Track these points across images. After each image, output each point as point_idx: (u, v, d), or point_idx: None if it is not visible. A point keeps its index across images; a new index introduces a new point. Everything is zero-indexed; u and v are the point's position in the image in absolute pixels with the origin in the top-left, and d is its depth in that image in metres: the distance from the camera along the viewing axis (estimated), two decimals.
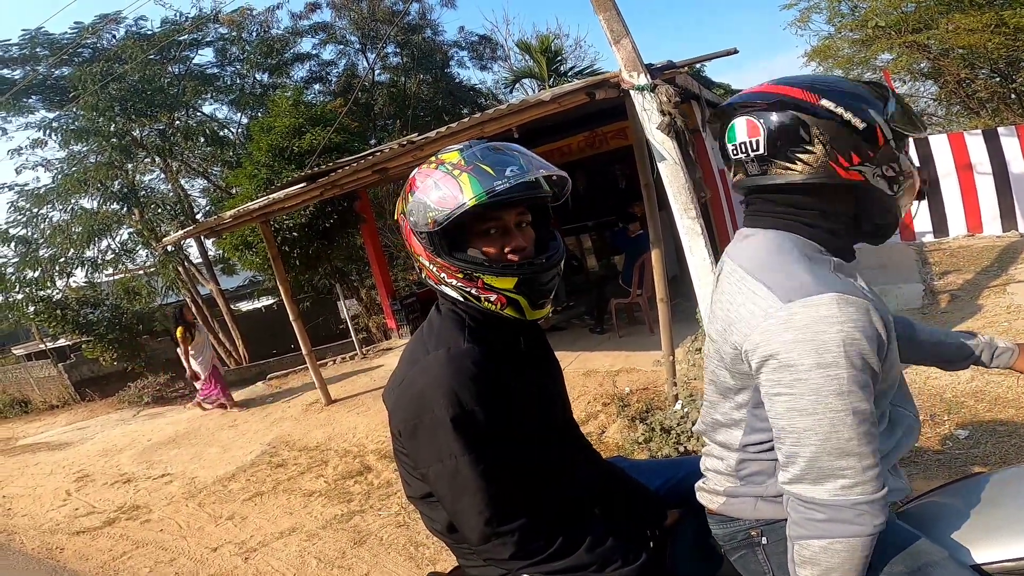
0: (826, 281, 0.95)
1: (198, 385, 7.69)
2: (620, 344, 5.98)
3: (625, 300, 6.26)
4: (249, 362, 11.83)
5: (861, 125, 0.97)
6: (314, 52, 14.97)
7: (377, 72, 15.18)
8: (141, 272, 13.39)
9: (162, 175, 12.77)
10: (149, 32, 12.54)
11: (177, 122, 12.11)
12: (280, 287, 6.74)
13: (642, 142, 3.93)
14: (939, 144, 7.09)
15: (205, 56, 17.32)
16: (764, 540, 1.12)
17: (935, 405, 3.33)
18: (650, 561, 1.18)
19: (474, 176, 1.10)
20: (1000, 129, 6.95)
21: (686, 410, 3.52)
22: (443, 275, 1.18)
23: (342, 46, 15.09)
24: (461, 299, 1.19)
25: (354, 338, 9.21)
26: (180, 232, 8.38)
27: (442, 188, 1.11)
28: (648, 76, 3.66)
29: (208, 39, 13.49)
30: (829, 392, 0.91)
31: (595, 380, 4.98)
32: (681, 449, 3.36)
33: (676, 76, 4.21)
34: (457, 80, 16.49)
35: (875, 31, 11.26)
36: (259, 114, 11.99)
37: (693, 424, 3.32)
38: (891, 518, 1.06)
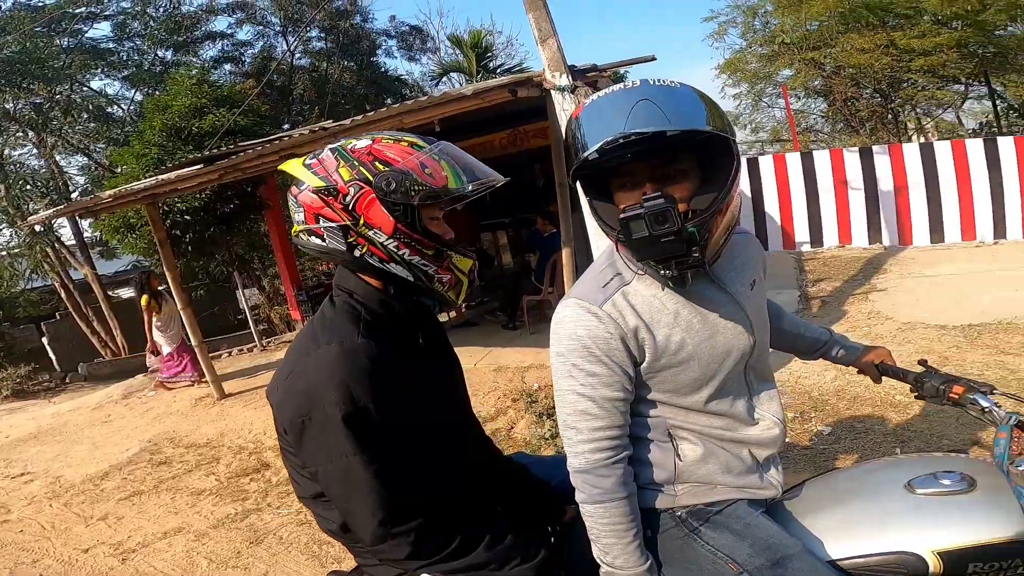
0: (583, 288, 1.15)
1: (152, 363, 6.92)
2: (531, 341, 6.04)
3: (537, 297, 6.37)
4: (128, 353, 10.89)
5: None
6: (229, 31, 14.23)
7: (298, 56, 14.66)
8: (3, 253, 12.04)
9: (35, 150, 11.69)
10: (40, 3, 11.48)
11: (57, 96, 11.14)
12: (167, 274, 6.18)
13: (560, 142, 4.02)
14: (821, 159, 7.78)
15: (101, 30, 15.90)
16: (648, 532, 1.18)
17: (804, 403, 3.61)
18: (549, 557, 1.20)
19: (452, 166, 1.14)
20: (875, 147, 7.77)
21: None
22: (404, 252, 1.14)
23: (261, 27, 14.45)
24: (411, 278, 1.17)
25: (253, 329, 8.76)
26: (51, 211, 7.57)
27: (430, 167, 1.12)
28: (570, 77, 3.75)
29: (106, 13, 12.47)
30: (559, 375, 1.13)
31: (505, 376, 4.99)
32: None
33: (599, 79, 4.34)
34: (383, 69, 16.26)
35: (781, 47, 12.06)
36: (156, 92, 11.19)
37: None
38: (753, 512, 1.17)
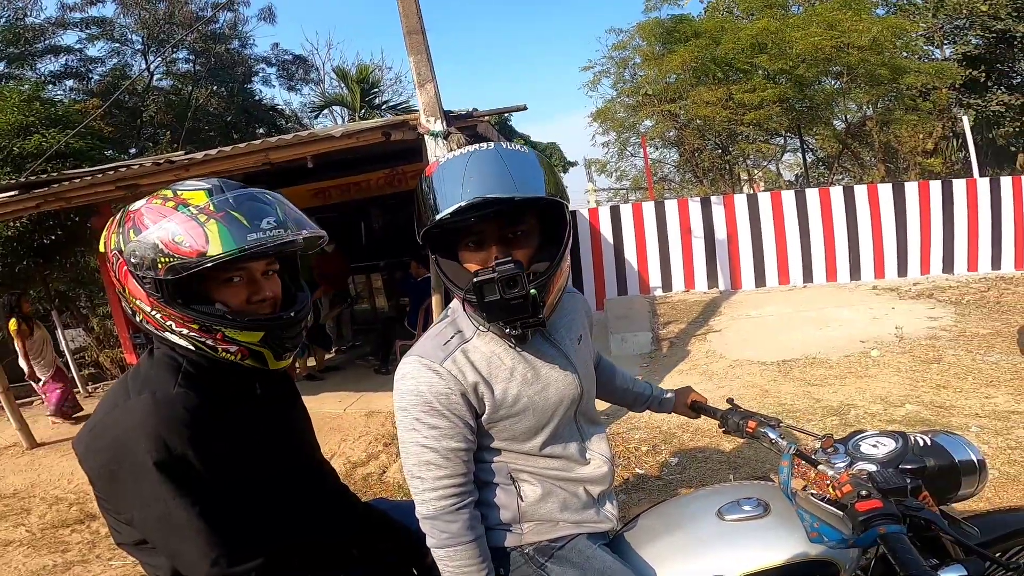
0: (424, 347, 1.19)
1: (37, 388, 6.00)
2: None
3: (410, 342, 6.21)
4: None
5: None
6: (77, 46, 12.91)
7: (158, 77, 13.44)
8: None
9: None
10: None
11: None
12: None
13: None
14: (671, 208, 8.36)
15: None
16: (500, 570, 1.25)
17: (655, 437, 3.90)
18: None
19: (224, 225, 1.02)
20: (712, 198, 8.47)
21: None
22: (170, 323, 1.08)
23: (118, 44, 13.22)
24: (192, 348, 1.10)
25: (75, 374, 7.70)
26: None
27: (182, 233, 1.02)
28: (444, 123, 3.83)
29: None
30: (403, 428, 1.17)
31: (377, 420, 4.87)
32: None
33: (478, 124, 4.45)
34: (257, 98, 15.47)
35: (644, 98, 12.82)
36: None
37: None
38: (592, 545, 1.26)
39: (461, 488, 1.18)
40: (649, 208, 8.41)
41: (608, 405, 1.74)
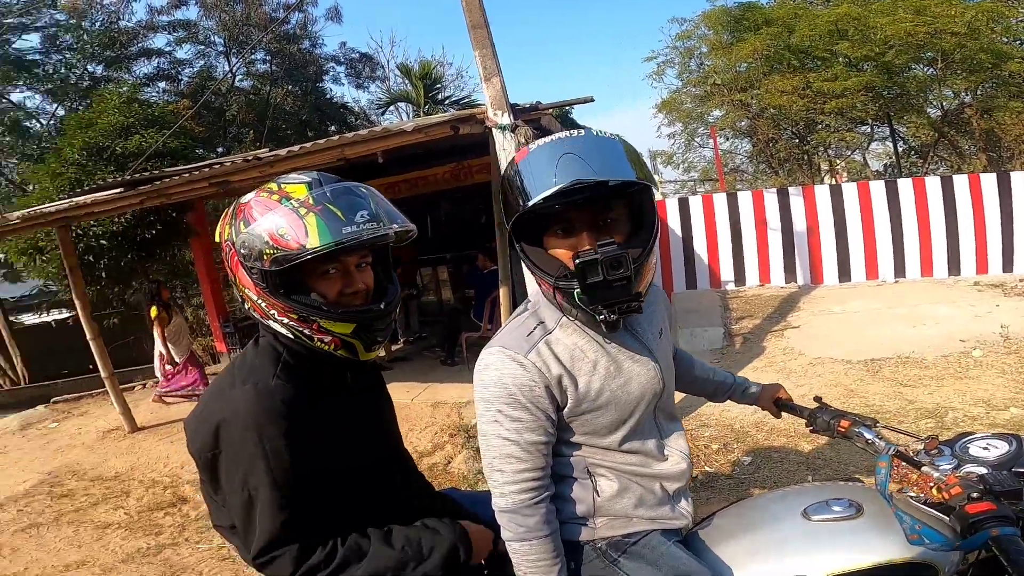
0: (507, 338, 1.19)
1: (159, 374, 6.53)
2: (470, 377, 5.89)
3: (476, 334, 6.32)
4: (30, 382, 10.01)
5: None
6: (167, 49, 13.80)
7: (239, 78, 14.26)
8: None
9: None
10: None
11: None
12: (76, 302, 5.79)
13: (499, 180, 4.04)
14: (744, 200, 8.07)
15: (29, 41, 15.03)
16: (571, 564, 1.24)
17: (727, 435, 3.78)
18: (454, 542, 1.21)
19: (321, 218, 1.07)
20: (790, 189, 8.12)
21: None
22: (273, 312, 1.14)
23: (203, 47, 14.09)
24: (292, 336, 1.16)
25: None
26: None
27: (285, 227, 1.07)
28: (511, 116, 3.80)
29: (38, 24, 11.94)
30: (484, 420, 1.17)
31: (443, 411, 4.95)
32: None
33: (542, 117, 4.43)
34: (328, 96, 16.04)
35: (713, 88, 12.40)
36: (80, 108, 10.60)
37: None
38: (666, 542, 1.25)
39: (540, 482, 1.17)
40: (720, 200, 8.17)
41: (680, 399, 1.68)
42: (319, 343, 1.15)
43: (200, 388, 6.51)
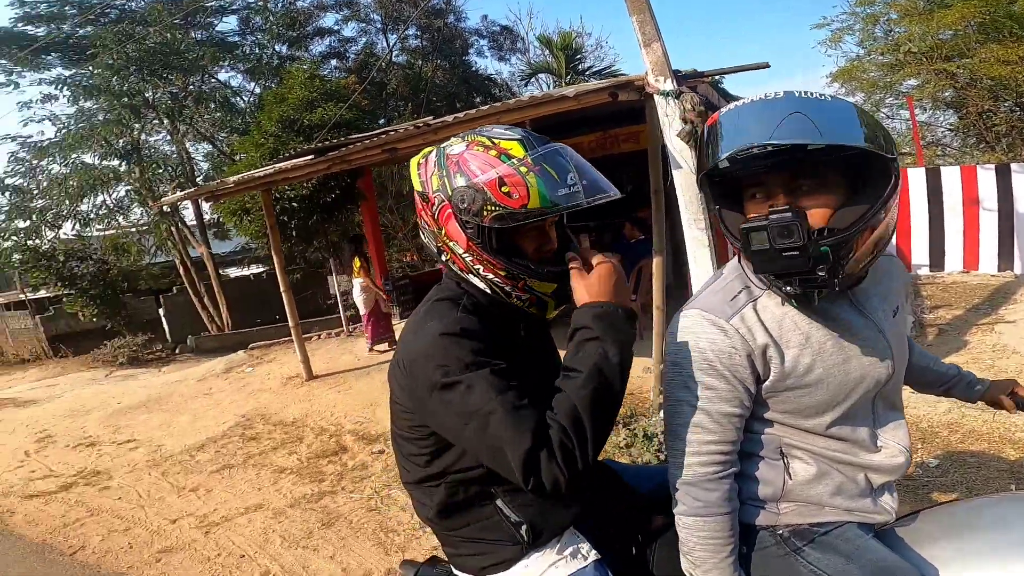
0: (708, 300, 1.11)
1: (365, 324, 7.42)
2: None
3: None
4: (231, 329, 11.70)
5: None
6: (336, 27, 15.08)
7: (395, 53, 15.20)
8: (133, 230, 13.27)
9: (168, 137, 12.77)
10: None
11: (191, 86, 12.18)
12: (274, 257, 6.67)
13: (657, 148, 3.90)
14: (950, 176, 7.05)
15: (228, 24, 17.31)
16: (743, 548, 1.15)
17: (912, 434, 3.28)
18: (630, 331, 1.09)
19: (541, 179, 1.06)
20: (1013, 166, 6.90)
21: None
22: (478, 267, 1.13)
23: (364, 24, 15.20)
24: (488, 291, 1.16)
25: (342, 314, 9.14)
26: (181, 193, 8.29)
27: (509, 185, 1.05)
28: (675, 82, 3.63)
29: (234, 7, 13.60)
30: (674, 385, 1.11)
31: None
32: (661, 457, 3.32)
33: (698, 85, 4.16)
34: (474, 68, 16.59)
35: (906, 56, 11.34)
36: (273, 85, 12.00)
37: None
38: (864, 535, 1.13)
39: (727, 456, 1.10)
40: (917, 175, 7.16)
41: None
42: (515, 300, 1.16)
43: (384, 334, 7.14)
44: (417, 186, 1.17)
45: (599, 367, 1.03)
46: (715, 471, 1.08)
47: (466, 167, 1.09)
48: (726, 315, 1.07)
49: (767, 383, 1.08)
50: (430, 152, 1.18)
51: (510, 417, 1.00)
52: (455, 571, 1.29)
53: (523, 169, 1.06)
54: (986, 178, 6.78)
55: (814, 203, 0.99)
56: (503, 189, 1.05)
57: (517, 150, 1.08)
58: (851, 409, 1.11)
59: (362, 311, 7.22)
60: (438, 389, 1.05)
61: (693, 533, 1.09)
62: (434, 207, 1.14)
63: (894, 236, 1.07)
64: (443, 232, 1.14)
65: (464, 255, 1.13)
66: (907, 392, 1.47)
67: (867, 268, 1.04)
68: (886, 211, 0.98)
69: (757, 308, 1.09)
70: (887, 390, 1.15)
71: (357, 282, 7.10)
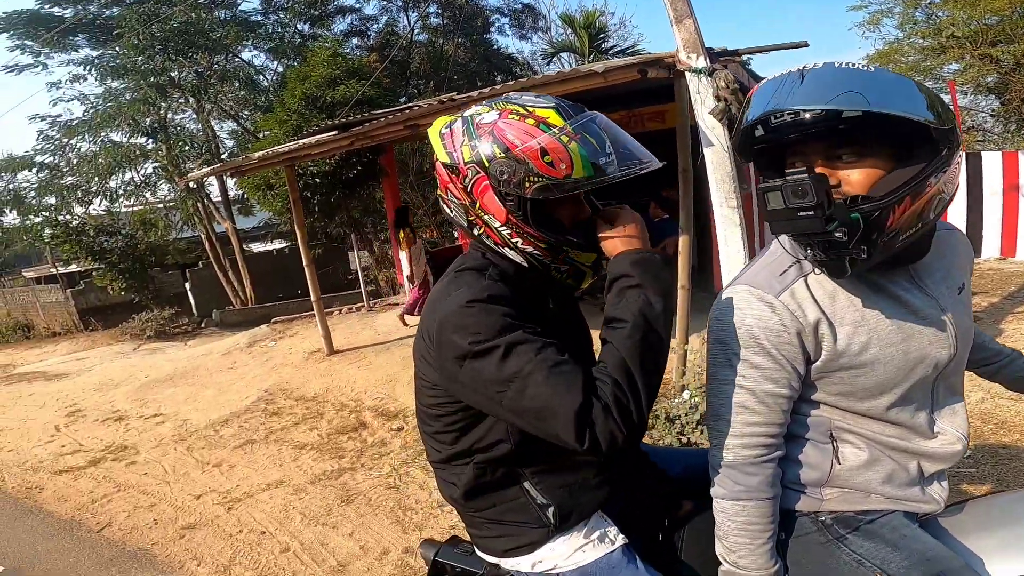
0: (755, 275, 1.06)
1: (406, 290, 7.55)
2: None
3: None
4: (255, 303, 11.87)
5: None
6: (357, 5, 15.03)
7: (416, 31, 15.06)
8: (160, 205, 13.49)
9: (193, 115, 12.93)
10: None
11: (216, 65, 12.28)
12: (297, 231, 6.73)
13: (686, 126, 3.81)
14: (991, 161, 6.85)
15: (251, 3, 17.31)
16: (780, 534, 1.12)
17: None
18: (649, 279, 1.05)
19: (583, 148, 1.01)
20: None
21: (695, 400, 3.43)
22: (516, 240, 1.08)
23: (385, 2, 15.08)
24: (525, 264, 1.11)
25: (363, 290, 9.22)
26: (206, 169, 8.38)
27: (552, 155, 1.00)
28: (707, 59, 3.53)
29: None
30: (717, 363, 1.07)
31: None
32: (684, 439, 3.29)
33: (728, 65, 4.04)
34: (495, 47, 16.46)
35: (949, 40, 11.15)
36: (296, 63, 12.05)
37: (700, 415, 3.28)
38: (910, 524, 1.09)
39: (772, 440, 1.05)
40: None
41: None
42: (554, 272, 1.12)
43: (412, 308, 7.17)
44: (443, 157, 1.10)
45: (644, 314, 1.00)
46: (759, 454, 1.04)
47: (503, 136, 1.03)
48: (774, 290, 1.02)
49: (818, 362, 1.03)
50: (453, 121, 1.12)
51: (554, 376, 0.96)
52: (479, 552, 1.27)
53: (564, 138, 1.01)
54: None
55: (853, 172, 0.95)
56: (546, 159, 1.00)
57: (555, 119, 1.03)
58: (909, 392, 1.05)
59: (414, 280, 7.20)
60: (470, 358, 1.00)
61: (731, 517, 1.05)
62: (467, 179, 1.07)
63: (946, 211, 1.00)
64: (477, 205, 1.08)
65: (501, 228, 1.08)
66: None
67: (912, 241, 0.97)
68: (931, 183, 0.92)
69: (809, 283, 1.03)
70: (948, 372, 1.09)
71: (403, 254, 7.13)
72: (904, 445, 1.08)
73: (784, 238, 1.08)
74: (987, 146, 12.07)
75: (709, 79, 3.43)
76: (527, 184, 1.01)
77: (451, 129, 1.11)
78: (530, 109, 1.05)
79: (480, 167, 1.05)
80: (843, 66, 0.93)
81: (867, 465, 1.08)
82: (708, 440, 1.11)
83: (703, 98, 3.46)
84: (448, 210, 1.16)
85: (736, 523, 1.05)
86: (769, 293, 1.02)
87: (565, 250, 1.09)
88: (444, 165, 1.10)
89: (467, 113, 1.11)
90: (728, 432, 1.05)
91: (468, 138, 1.07)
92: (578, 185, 1.01)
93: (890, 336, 1.02)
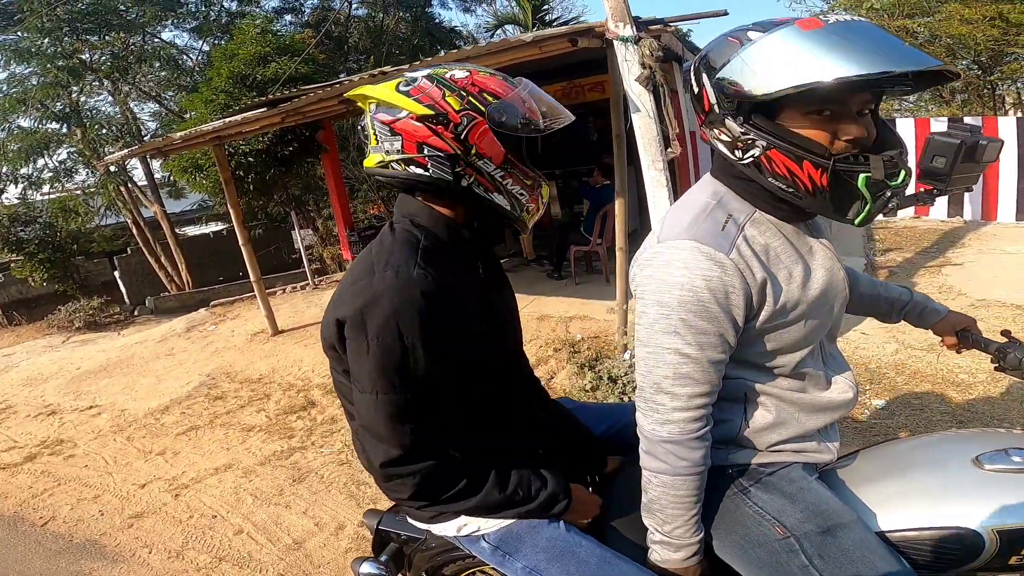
0: (698, 229, 0.98)
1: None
2: (576, 291, 6.03)
3: (585, 248, 6.34)
4: (193, 288, 11.44)
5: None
6: None
7: (355, 6, 14.51)
8: (79, 192, 12.71)
9: (110, 97, 12.16)
10: None
11: (132, 46, 11.60)
12: (231, 211, 6.48)
13: (619, 94, 3.89)
14: (905, 127, 7.20)
15: None
16: None
17: (860, 376, 3.45)
18: (556, 492, 1.18)
19: (536, 101, 1.19)
20: (966, 119, 7.21)
21: (634, 360, 3.57)
22: (507, 182, 1.15)
23: None
24: (508, 207, 1.17)
25: (307, 268, 9.03)
26: (124, 151, 7.89)
27: (528, 102, 1.18)
28: (634, 28, 3.57)
29: None
30: (659, 329, 0.98)
31: (548, 325, 4.98)
32: (626, 399, 3.42)
33: (662, 34, 4.11)
34: (437, 20, 16.02)
35: (868, 12, 11.41)
36: (222, 42, 11.44)
37: None
38: (807, 476, 1.12)
39: (711, 409, 1.03)
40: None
41: None
42: (525, 213, 1.20)
43: None
44: (421, 110, 1.08)
45: (512, 500, 1.15)
46: (701, 426, 1.01)
47: (488, 87, 1.12)
48: (723, 247, 0.96)
49: (756, 323, 1.00)
50: (411, 81, 1.12)
51: (399, 427, 1.06)
52: (409, 520, 1.31)
53: (526, 92, 1.16)
54: (940, 130, 7.00)
55: (871, 126, 0.97)
56: (527, 105, 1.13)
57: (511, 79, 1.17)
58: (816, 344, 1.07)
59: None
60: (359, 348, 1.04)
61: (669, 491, 1.03)
62: (459, 126, 1.09)
63: None
64: (473, 151, 1.10)
65: (495, 172, 1.13)
66: (855, 333, 1.46)
67: None
68: None
69: (748, 238, 0.99)
70: (836, 319, 1.12)
71: None
72: (809, 400, 1.10)
73: (710, 189, 1.06)
74: (902, 114, 12.78)
75: (635, 47, 3.49)
76: (519, 125, 1.11)
77: (417, 86, 1.11)
78: (492, 71, 1.18)
79: (477, 113, 1.10)
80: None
81: (772, 427, 1.10)
82: (639, 410, 1.06)
83: (630, 66, 3.53)
84: (417, 170, 1.11)
85: (673, 496, 1.03)
86: (719, 250, 0.96)
87: (540, 184, 1.21)
88: (424, 118, 1.08)
89: (424, 72, 1.14)
90: (672, 406, 1.00)
91: (448, 91, 1.10)
92: (538, 130, 1.14)
93: (810, 289, 1.02)
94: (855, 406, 1.16)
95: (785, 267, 1.01)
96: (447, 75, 1.12)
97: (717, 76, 0.95)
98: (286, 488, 3.26)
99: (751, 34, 0.93)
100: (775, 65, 0.88)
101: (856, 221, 0.96)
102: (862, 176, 0.91)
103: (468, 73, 1.13)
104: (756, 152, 0.96)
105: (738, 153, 0.98)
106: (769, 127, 0.95)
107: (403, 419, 1.05)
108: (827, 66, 0.84)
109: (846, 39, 0.87)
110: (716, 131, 1.00)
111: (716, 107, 0.98)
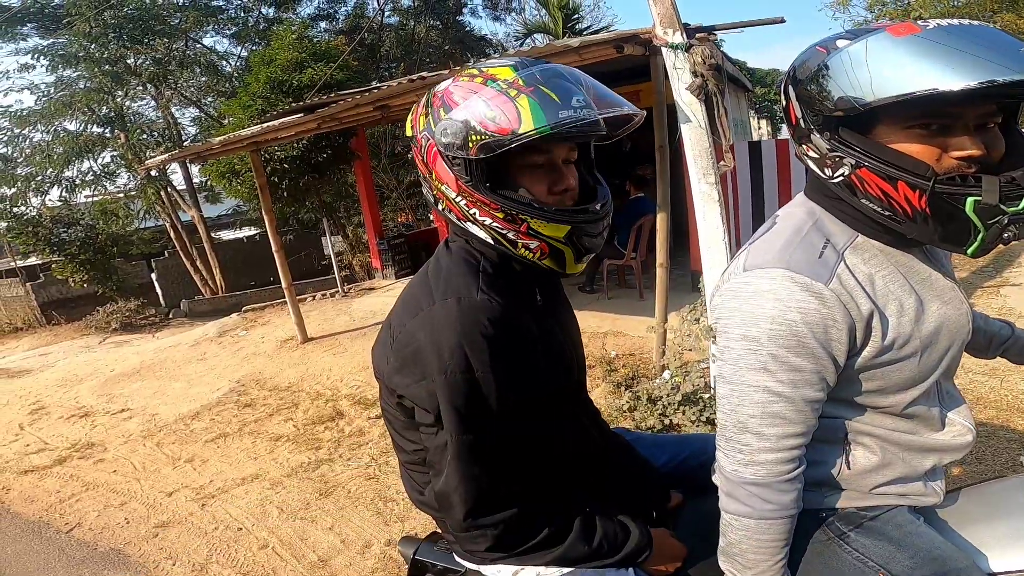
0: (792, 257, 0.89)
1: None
2: (608, 306, 5.88)
3: (618, 262, 6.17)
4: (225, 292, 11.61)
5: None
6: None
7: (387, 14, 14.78)
8: (120, 195, 13.06)
9: (153, 102, 12.54)
10: None
11: (175, 52, 11.91)
12: (265, 217, 6.55)
13: (662, 103, 3.76)
14: None
15: None
16: None
17: None
18: (642, 544, 1.07)
19: (535, 100, 0.91)
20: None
21: (675, 381, 3.41)
22: (474, 211, 0.99)
23: None
24: (491, 240, 1.01)
25: (337, 275, 9.07)
26: (165, 155, 8.06)
27: (494, 109, 0.92)
28: (684, 35, 3.44)
29: None
30: (744, 365, 0.90)
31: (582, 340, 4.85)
32: (666, 421, 3.27)
33: (704, 42, 3.98)
34: (468, 28, 16.33)
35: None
36: (260, 48, 11.72)
37: (681, 396, 3.25)
38: (915, 520, 1.03)
39: (804, 450, 0.94)
40: None
41: None
42: (523, 250, 1.00)
43: None
44: (408, 131, 1.07)
45: (597, 553, 1.04)
46: (792, 468, 0.92)
47: (449, 99, 0.97)
48: (822, 278, 0.87)
49: (859, 359, 0.91)
50: (424, 97, 1.06)
51: (476, 470, 0.97)
52: (455, 556, 1.20)
53: (511, 92, 0.92)
54: None
55: (995, 146, 0.84)
56: (488, 115, 0.92)
57: (506, 73, 0.95)
58: (932, 383, 0.97)
59: None
60: (429, 388, 0.95)
61: (753, 536, 0.94)
62: (423, 149, 1.02)
63: None
64: (433, 176, 1.02)
65: (457, 199, 1.00)
66: None
67: None
68: None
69: (850, 266, 0.90)
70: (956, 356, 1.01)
71: None
72: (919, 442, 1.00)
73: (803, 206, 0.97)
74: None
75: (686, 55, 3.35)
76: (471, 144, 0.93)
77: (418, 103, 1.05)
78: (483, 69, 0.98)
79: (430, 135, 0.99)
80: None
81: (876, 469, 1.00)
82: (720, 449, 0.98)
83: (680, 74, 3.39)
84: (424, 190, 1.10)
85: (759, 541, 0.94)
86: (817, 281, 0.87)
87: (525, 219, 0.97)
88: (410, 140, 1.05)
89: (436, 87, 1.05)
90: (759, 447, 0.92)
91: (424, 108, 1.02)
92: (526, 138, 0.91)
93: (925, 324, 0.92)
94: (969, 449, 1.04)
95: (895, 299, 0.91)
96: (436, 88, 1.03)
97: (802, 87, 0.88)
98: (312, 502, 3.17)
99: (839, 42, 0.84)
100: (868, 73, 0.79)
101: (969, 251, 0.84)
102: (970, 200, 0.79)
103: (451, 80, 1.01)
104: (845, 171, 0.87)
105: (828, 171, 0.90)
106: (858, 142, 0.85)
107: (479, 460, 0.96)
108: (939, 74, 0.74)
109: (965, 42, 0.76)
110: (804, 147, 0.92)
111: (802, 121, 0.90)
